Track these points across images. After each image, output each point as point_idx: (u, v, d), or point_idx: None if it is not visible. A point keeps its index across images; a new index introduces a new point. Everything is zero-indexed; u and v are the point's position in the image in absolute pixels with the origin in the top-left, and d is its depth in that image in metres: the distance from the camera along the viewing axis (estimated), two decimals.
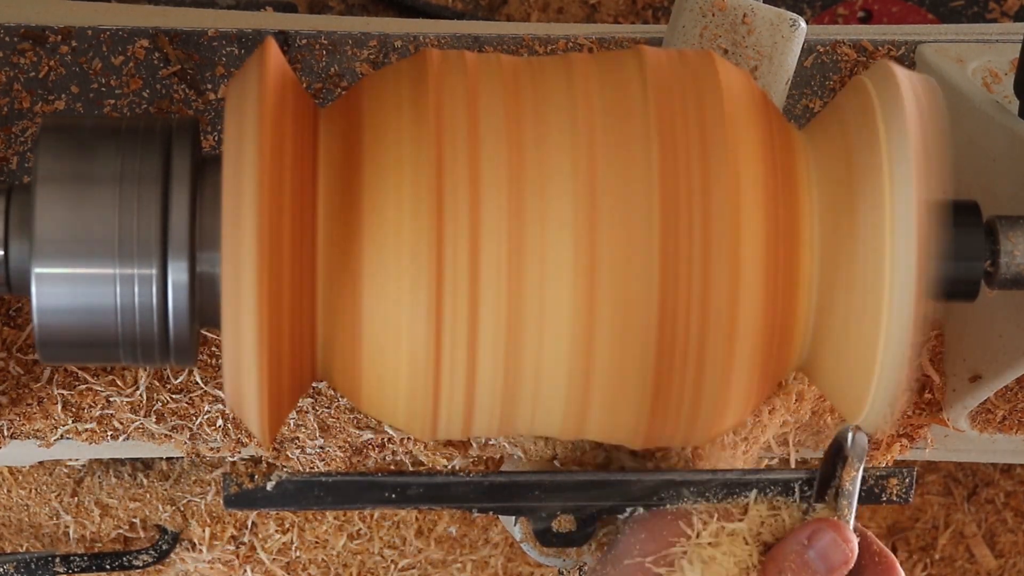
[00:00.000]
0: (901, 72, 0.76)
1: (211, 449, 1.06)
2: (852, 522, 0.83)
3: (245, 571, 1.24)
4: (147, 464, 1.22)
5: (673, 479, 0.86)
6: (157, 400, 1.04)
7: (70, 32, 1.07)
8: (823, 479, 0.84)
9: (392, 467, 1.09)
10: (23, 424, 1.03)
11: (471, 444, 1.07)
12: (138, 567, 1.20)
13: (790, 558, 0.81)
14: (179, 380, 1.04)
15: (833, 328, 0.77)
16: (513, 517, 0.90)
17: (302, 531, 1.24)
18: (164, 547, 1.21)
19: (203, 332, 1.01)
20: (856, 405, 0.78)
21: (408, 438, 1.06)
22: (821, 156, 0.78)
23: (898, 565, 0.84)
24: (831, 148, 0.78)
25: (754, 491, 0.84)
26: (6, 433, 1.03)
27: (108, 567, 1.19)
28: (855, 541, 0.82)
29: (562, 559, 0.91)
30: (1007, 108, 0.99)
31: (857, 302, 0.75)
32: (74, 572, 1.18)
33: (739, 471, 0.87)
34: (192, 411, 1.04)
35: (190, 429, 1.04)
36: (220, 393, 1.04)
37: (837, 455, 0.83)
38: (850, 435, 0.83)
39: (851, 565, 0.82)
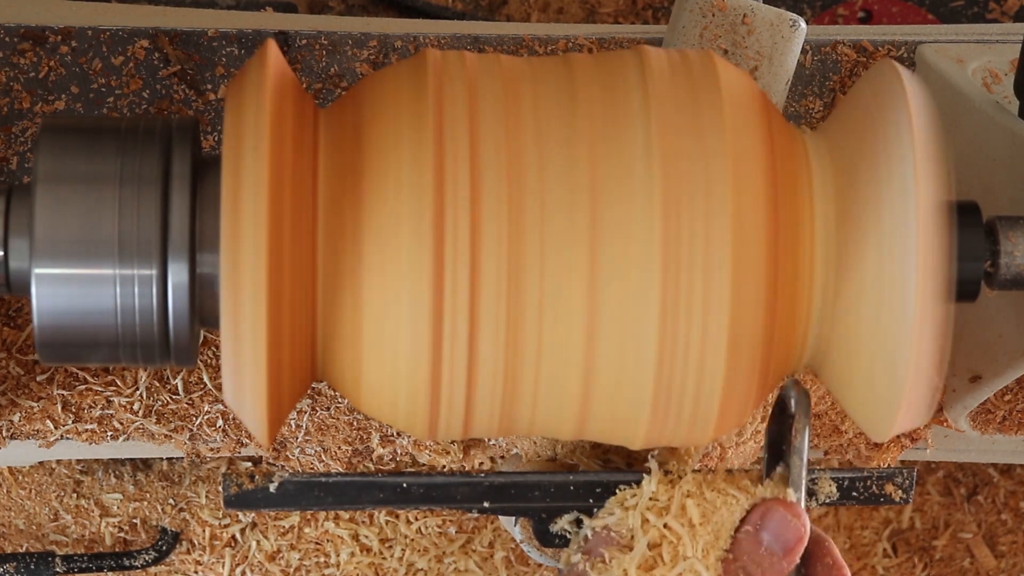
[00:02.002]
0: (903, 72, 0.76)
1: (211, 449, 1.06)
2: (804, 482, 0.82)
3: (245, 571, 1.24)
4: (147, 464, 1.22)
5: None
6: (157, 400, 1.04)
7: (70, 32, 1.07)
8: (771, 443, 0.83)
9: (392, 467, 1.09)
10: (23, 424, 1.03)
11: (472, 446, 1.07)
12: (138, 567, 1.20)
13: (745, 547, 0.81)
14: (179, 380, 1.04)
15: (837, 328, 0.76)
16: (513, 517, 0.90)
17: (302, 531, 1.24)
18: (164, 547, 1.21)
19: (203, 333, 1.01)
20: (860, 406, 0.78)
21: (409, 438, 1.06)
22: (822, 157, 0.78)
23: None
24: (832, 149, 0.78)
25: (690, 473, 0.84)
26: (6, 433, 1.03)
27: (108, 567, 1.19)
28: (805, 515, 0.81)
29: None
30: (1007, 108, 0.99)
31: (858, 302, 0.75)
32: (74, 572, 1.18)
33: (739, 471, 0.87)
34: (192, 411, 1.04)
35: (190, 429, 1.04)
36: (220, 393, 1.04)
37: (783, 415, 0.83)
38: (792, 392, 0.82)
39: (805, 540, 0.81)
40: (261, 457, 1.12)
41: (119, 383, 1.03)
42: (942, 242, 0.73)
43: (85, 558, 1.19)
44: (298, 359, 0.75)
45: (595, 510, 0.85)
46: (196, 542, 1.23)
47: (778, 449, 0.83)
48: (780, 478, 0.83)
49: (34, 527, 1.22)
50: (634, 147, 0.74)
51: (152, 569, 1.22)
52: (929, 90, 0.77)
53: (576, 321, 0.74)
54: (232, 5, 1.30)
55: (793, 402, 0.82)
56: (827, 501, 0.88)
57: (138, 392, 1.03)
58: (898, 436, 1.09)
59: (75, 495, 1.21)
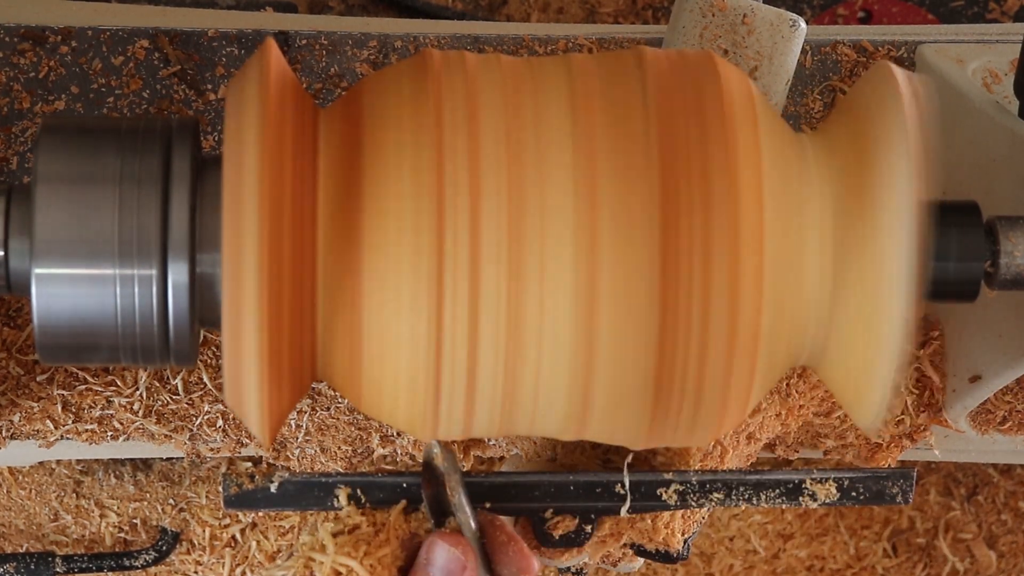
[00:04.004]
0: (900, 73, 0.76)
1: (211, 449, 1.06)
2: (474, 529, 0.82)
3: (245, 571, 1.24)
4: (147, 464, 1.22)
5: (671, 479, 0.86)
6: (157, 400, 1.04)
7: (70, 32, 1.07)
8: (432, 504, 0.82)
9: (392, 467, 1.09)
10: (23, 424, 1.03)
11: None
12: (138, 567, 1.21)
13: None
14: (179, 380, 1.04)
15: (835, 325, 0.77)
16: (513, 517, 0.90)
17: (302, 532, 1.24)
18: (164, 547, 1.21)
19: (203, 333, 1.01)
20: (858, 404, 0.78)
21: (409, 438, 1.06)
22: (821, 158, 0.78)
23: (526, 549, 0.84)
24: (831, 150, 0.78)
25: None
26: (6, 433, 1.03)
27: (108, 567, 1.20)
28: (464, 545, 0.81)
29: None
30: (1007, 108, 0.99)
31: (858, 301, 0.75)
32: (74, 572, 1.18)
33: (739, 472, 0.87)
34: (192, 411, 1.04)
35: (190, 429, 1.04)
36: (220, 393, 1.04)
37: (434, 476, 0.82)
38: (436, 451, 0.82)
39: (467, 569, 0.81)
40: (261, 457, 1.12)
41: (119, 383, 1.03)
42: (924, 240, 0.73)
43: (85, 558, 1.19)
44: (298, 359, 0.75)
45: (593, 513, 0.85)
46: (196, 542, 1.23)
47: (442, 508, 0.83)
48: (454, 530, 0.82)
49: (34, 527, 1.22)
50: (634, 147, 0.74)
51: (152, 569, 1.22)
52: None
53: (577, 321, 0.74)
54: (232, 5, 1.30)
55: (440, 461, 0.82)
56: (827, 501, 0.88)
57: (138, 392, 1.03)
58: (898, 436, 1.09)
59: (75, 495, 1.21)
